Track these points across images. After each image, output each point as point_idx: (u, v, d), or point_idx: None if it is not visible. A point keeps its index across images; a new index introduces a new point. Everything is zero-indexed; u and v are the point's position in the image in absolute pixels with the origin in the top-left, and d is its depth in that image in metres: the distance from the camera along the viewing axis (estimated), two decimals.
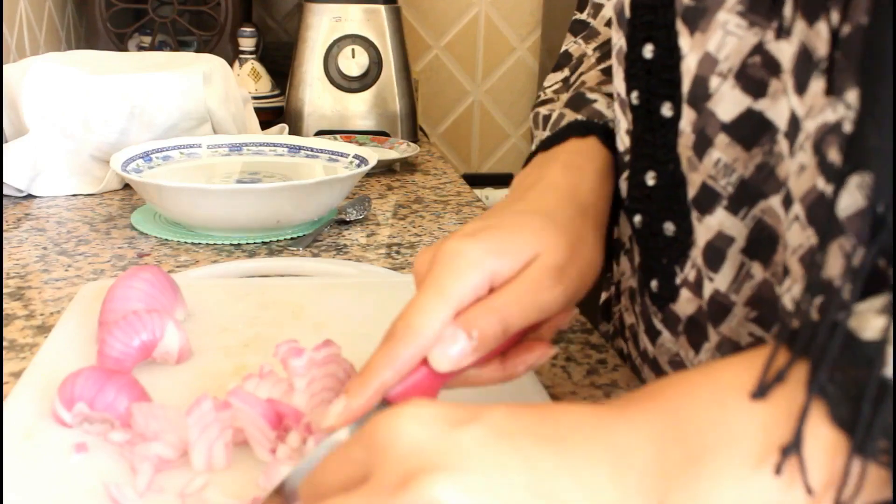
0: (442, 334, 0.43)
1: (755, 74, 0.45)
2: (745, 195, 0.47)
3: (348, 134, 1.34)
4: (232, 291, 0.70)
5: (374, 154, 1.01)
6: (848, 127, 0.37)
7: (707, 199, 0.48)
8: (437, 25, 2.02)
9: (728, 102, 0.46)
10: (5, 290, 0.76)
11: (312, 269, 0.80)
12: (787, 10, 0.42)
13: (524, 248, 0.46)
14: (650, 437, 0.35)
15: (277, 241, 0.91)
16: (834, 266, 0.38)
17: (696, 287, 0.50)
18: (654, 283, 0.54)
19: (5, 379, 0.59)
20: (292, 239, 0.91)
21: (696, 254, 0.50)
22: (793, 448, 0.33)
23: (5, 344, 0.65)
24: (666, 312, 0.54)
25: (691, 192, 0.49)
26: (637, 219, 0.54)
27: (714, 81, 0.46)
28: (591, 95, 0.62)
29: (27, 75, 1.04)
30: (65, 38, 1.55)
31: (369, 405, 0.42)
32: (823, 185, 0.39)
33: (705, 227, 0.49)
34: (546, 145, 0.58)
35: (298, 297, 0.68)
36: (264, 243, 0.90)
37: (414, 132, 1.40)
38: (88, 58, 1.16)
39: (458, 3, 2.01)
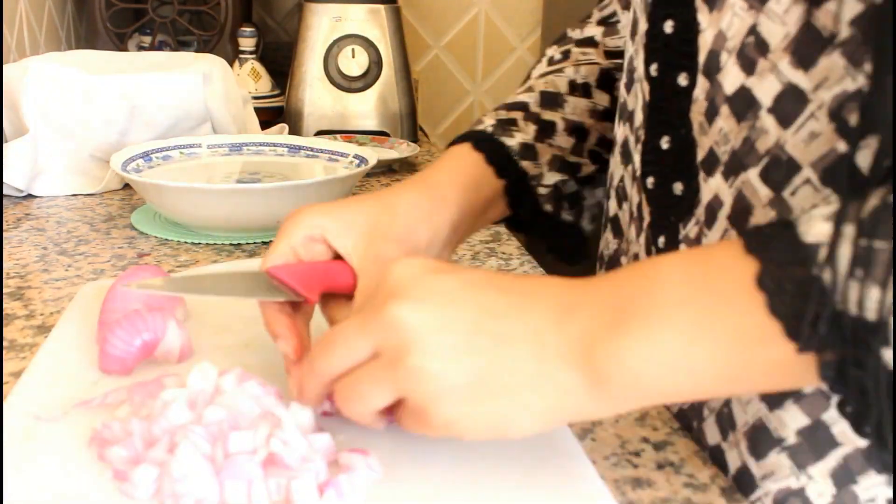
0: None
1: (749, 54, 0.48)
2: (733, 165, 0.50)
3: (348, 134, 1.34)
4: None
5: (374, 154, 1.01)
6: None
7: (712, 163, 0.52)
8: (437, 25, 2.02)
9: (731, 77, 0.50)
10: (5, 290, 0.76)
11: None
12: None
13: (356, 221, 0.56)
14: (593, 301, 0.41)
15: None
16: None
17: (696, 243, 0.53)
18: (661, 240, 0.57)
19: (5, 379, 0.59)
20: None
21: (700, 212, 0.53)
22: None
23: (5, 344, 0.65)
24: None
25: (700, 154, 0.53)
26: (650, 180, 0.57)
27: (723, 56, 0.50)
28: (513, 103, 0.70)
29: (27, 75, 1.04)
30: (65, 38, 1.54)
31: None
32: (845, 148, 0.43)
33: (708, 188, 0.52)
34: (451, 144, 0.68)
35: None
36: (264, 243, 0.90)
37: (414, 132, 1.40)
38: (88, 58, 1.16)
39: (458, 3, 2.01)
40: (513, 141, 0.67)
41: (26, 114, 1.04)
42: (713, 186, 0.52)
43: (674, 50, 0.54)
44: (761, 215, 0.48)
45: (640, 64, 0.59)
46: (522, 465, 0.47)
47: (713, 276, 0.39)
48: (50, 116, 1.05)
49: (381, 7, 1.35)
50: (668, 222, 0.56)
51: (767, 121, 0.47)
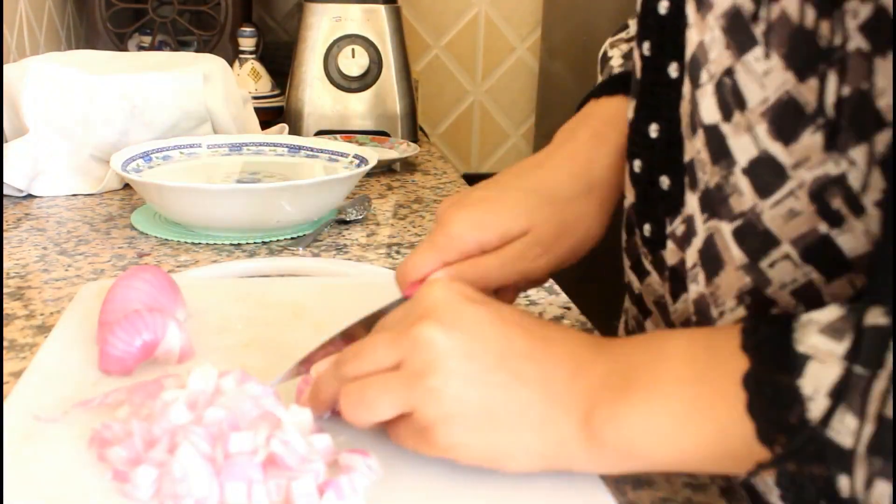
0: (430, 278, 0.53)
1: (726, 97, 0.45)
2: (706, 204, 0.48)
3: (348, 134, 1.34)
4: (232, 291, 0.70)
5: (374, 154, 1.01)
6: (853, 180, 0.40)
7: (692, 177, 0.49)
8: (437, 25, 2.02)
9: (707, 109, 0.46)
10: (5, 290, 0.76)
11: (312, 269, 0.79)
12: (759, 51, 0.42)
13: (513, 225, 0.54)
14: (605, 362, 0.43)
15: (277, 241, 0.91)
16: (844, 295, 0.43)
17: (683, 241, 0.52)
18: (646, 228, 0.56)
19: (5, 379, 0.59)
20: (292, 239, 0.91)
21: (686, 212, 0.51)
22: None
23: (5, 344, 0.65)
24: (656, 256, 0.57)
25: (687, 156, 0.51)
26: (637, 163, 0.56)
27: (704, 75, 0.47)
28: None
29: (27, 75, 1.03)
30: (65, 38, 1.54)
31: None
32: (827, 230, 0.42)
33: (690, 201, 0.50)
34: (589, 97, 0.63)
35: (298, 297, 0.68)
36: (264, 243, 0.90)
37: (414, 132, 1.40)
38: (88, 58, 1.16)
39: (458, 3, 2.01)
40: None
41: (26, 114, 1.04)
42: (692, 205, 0.50)
43: (667, 34, 0.52)
44: (734, 277, 0.46)
45: (636, 38, 0.57)
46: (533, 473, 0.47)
47: (712, 364, 0.40)
48: (50, 116, 1.05)
49: (381, 7, 1.35)
50: (654, 213, 0.55)
51: (742, 182, 0.45)
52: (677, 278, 0.54)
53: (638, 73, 0.56)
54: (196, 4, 1.52)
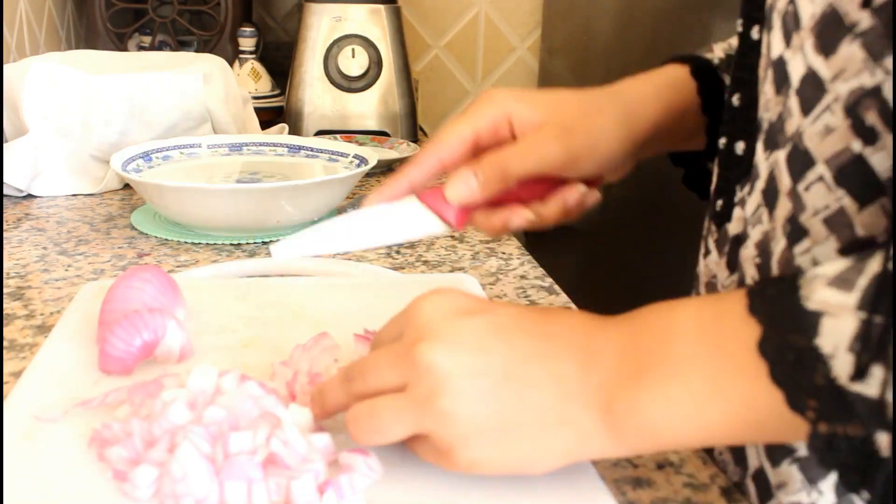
0: (457, 173, 0.55)
1: (788, 22, 0.47)
2: (770, 138, 0.49)
3: (348, 134, 1.34)
4: (232, 291, 0.70)
5: (374, 154, 1.01)
6: (888, 92, 0.39)
7: (759, 126, 0.51)
8: (437, 25, 2.02)
9: (776, 41, 0.48)
10: (5, 290, 0.76)
11: (312, 269, 0.79)
12: None
13: (544, 103, 0.57)
14: (615, 349, 0.42)
15: (277, 241, 0.90)
16: (876, 225, 0.42)
17: (743, 208, 0.53)
18: (718, 203, 0.56)
19: (5, 379, 0.59)
20: None
21: (754, 174, 0.52)
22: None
23: (5, 344, 0.65)
24: (721, 233, 0.56)
25: (759, 111, 0.52)
26: (722, 140, 0.56)
27: (774, 16, 0.49)
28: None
29: (27, 75, 1.03)
30: (65, 38, 1.54)
31: (398, 194, 0.58)
32: (860, 148, 0.41)
33: (758, 152, 0.51)
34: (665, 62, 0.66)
35: (298, 297, 0.68)
36: (264, 243, 0.90)
37: (414, 132, 1.40)
38: (88, 58, 1.16)
39: (458, 3, 2.01)
40: (717, 54, 0.65)
41: (26, 114, 1.04)
42: (758, 151, 0.51)
43: (750, 2, 0.54)
44: (783, 205, 0.47)
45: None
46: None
47: (724, 334, 0.39)
48: (50, 116, 1.05)
49: (381, 7, 1.35)
50: (728, 184, 0.55)
51: (793, 102, 0.46)
52: (735, 250, 0.54)
53: (735, 52, 0.57)
54: (196, 4, 1.52)
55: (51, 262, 0.83)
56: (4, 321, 0.69)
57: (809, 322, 0.36)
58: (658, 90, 0.62)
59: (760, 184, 0.50)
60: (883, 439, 0.34)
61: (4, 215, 0.98)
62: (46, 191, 1.06)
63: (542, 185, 0.58)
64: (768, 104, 0.49)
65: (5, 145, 1.03)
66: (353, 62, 1.34)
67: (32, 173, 1.04)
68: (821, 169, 0.44)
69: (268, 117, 1.46)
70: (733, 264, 0.54)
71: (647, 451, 0.44)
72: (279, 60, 1.67)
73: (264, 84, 1.51)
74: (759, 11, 0.52)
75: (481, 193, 0.55)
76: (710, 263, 0.58)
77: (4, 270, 0.81)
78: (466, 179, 0.55)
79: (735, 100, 0.55)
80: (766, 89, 0.49)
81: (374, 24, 1.35)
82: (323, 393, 0.49)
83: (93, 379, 0.56)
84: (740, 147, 0.54)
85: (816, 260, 0.45)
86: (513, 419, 0.42)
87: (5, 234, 0.91)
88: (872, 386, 0.34)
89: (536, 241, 1.49)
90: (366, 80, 1.36)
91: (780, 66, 0.48)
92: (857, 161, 0.42)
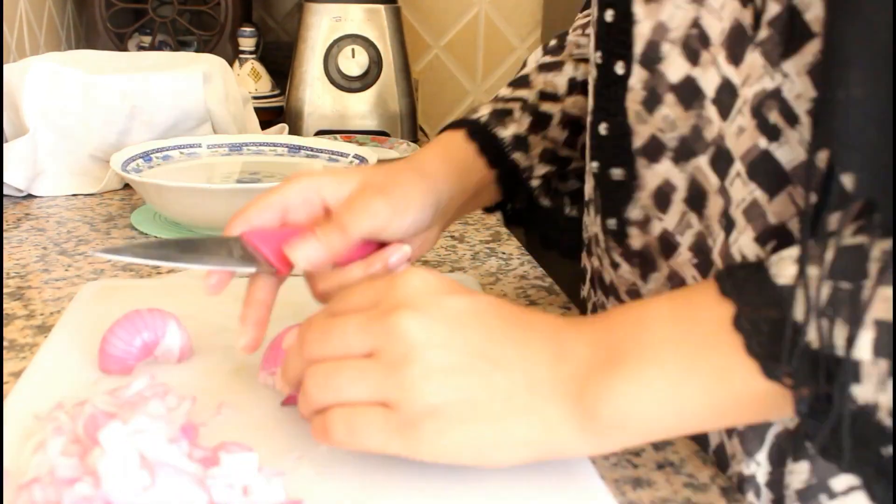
0: (300, 237, 0.54)
1: (693, 45, 0.51)
2: (684, 151, 0.53)
3: (348, 134, 1.34)
4: (232, 291, 0.70)
5: (374, 154, 1.01)
6: (787, 93, 0.44)
7: (654, 149, 0.55)
8: (437, 25, 2.02)
9: (675, 67, 0.52)
10: (5, 290, 0.76)
11: None
12: None
13: (352, 174, 0.57)
14: (588, 343, 0.43)
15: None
16: (784, 213, 0.46)
17: (643, 225, 0.57)
18: (610, 222, 0.60)
19: (5, 379, 0.59)
20: None
21: (645, 195, 0.56)
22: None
23: (5, 344, 0.65)
24: (624, 247, 0.59)
25: (638, 141, 0.56)
26: (594, 164, 0.60)
27: (665, 47, 0.53)
28: (505, 98, 0.72)
29: (27, 75, 1.03)
30: (65, 38, 1.54)
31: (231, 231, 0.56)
32: (766, 144, 0.46)
33: (653, 174, 0.55)
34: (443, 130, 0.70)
35: (298, 297, 0.68)
36: None
37: (414, 132, 1.40)
38: (88, 58, 1.16)
39: (458, 3, 2.01)
40: (506, 132, 0.68)
41: (26, 114, 1.04)
42: (661, 172, 0.55)
43: (612, 39, 0.56)
44: (714, 202, 0.51)
45: (591, 51, 0.61)
46: (522, 464, 0.47)
47: (696, 319, 0.41)
48: (50, 116, 1.05)
49: (381, 7, 1.35)
50: (614, 206, 0.59)
51: (711, 111, 0.50)
52: (645, 261, 0.58)
53: (592, 81, 0.60)
54: (196, 4, 1.52)
55: (51, 262, 0.83)
56: (4, 321, 0.69)
57: (782, 295, 0.38)
58: (448, 166, 0.64)
59: (681, 194, 0.54)
60: (858, 392, 0.36)
61: (4, 215, 0.98)
62: (46, 191, 1.06)
63: (367, 248, 0.58)
64: (674, 124, 0.53)
65: (5, 145, 1.03)
66: (353, 62, 1.34)
67: (32, 173, 1.04)
68: (738, 165, 0.48)
69: (268, 117, 1.46)
70: (646, 273, 0.58)
71: (614, 447, 0.44)
72: (279, 60, 1.67)
73: (264, 84, 1.51)
74: (622, 48, 0.56)
75: (326, 252, 0.54)
76: (625, 273, 0.61)
77: (4, 270, 0.81)
78: (309, 240, 0.54)
79: (602, 129, 0.58)
80: (667, 112, 0.53)
81: (373, 24, 1.35)
82: (285, 361, 0.49)
83: (93, 379, 0.56)
84: (617, 173, 0.57)
85: (741, 249, 0.48)
86: (477, 397, 0.42)
87: (5, 234, 0.91)
88: (839, 347, 0.37)
89: (537, 241, 1.49)
90: (366, 80, 1.36)
91: (686, 86, 0.52)
92: (764, 156, 0.46)
